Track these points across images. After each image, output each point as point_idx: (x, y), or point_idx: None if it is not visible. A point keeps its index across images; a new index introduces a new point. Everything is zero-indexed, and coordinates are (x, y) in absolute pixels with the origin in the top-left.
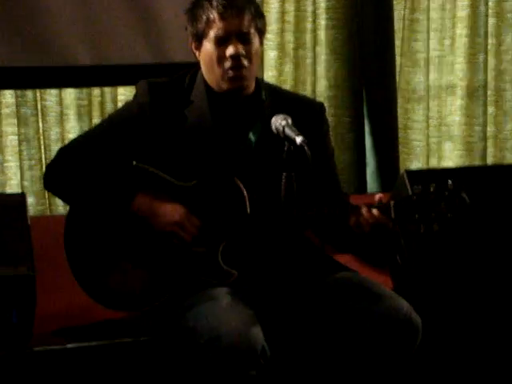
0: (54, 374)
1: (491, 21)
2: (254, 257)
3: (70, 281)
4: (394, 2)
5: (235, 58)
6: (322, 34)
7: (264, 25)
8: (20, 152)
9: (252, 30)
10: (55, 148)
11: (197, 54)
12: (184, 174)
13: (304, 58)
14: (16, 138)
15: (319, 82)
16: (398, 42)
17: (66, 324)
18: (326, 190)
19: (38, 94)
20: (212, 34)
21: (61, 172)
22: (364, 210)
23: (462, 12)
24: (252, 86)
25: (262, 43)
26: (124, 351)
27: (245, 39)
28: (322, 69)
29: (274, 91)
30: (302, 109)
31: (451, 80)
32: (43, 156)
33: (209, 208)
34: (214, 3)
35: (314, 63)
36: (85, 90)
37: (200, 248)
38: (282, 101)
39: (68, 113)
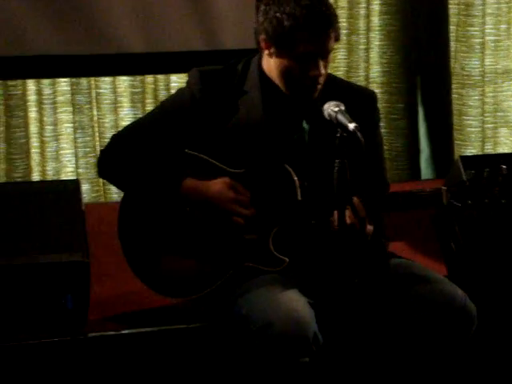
0: (108, 360)
1: None
2: (305, 244)
3: (124, 267)
4: None
5: (316, 78)
6: (375, 20)
7: (340, 31)
8: (75, 139)
9: (333, 45)
10: (109, 135)
11: (266, 51)
12: (235, 161)
13: (357, 44)
14: (71, 125)
15: (372, 68)
16: (452, 27)
17: (120, 310)
18: (371, 179)
19: (92, 82)
20: (298, 50)
21: (114, 159)
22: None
23: None
24: None
25: None
26: (177, 337)
27: (327, 56)
28: (375, 55)
29: (328, 79)
30: (355, 97)
31: (507, 65)
32: (97, 143)
33: (260, 195)
34: (306, 23)
35: (368, 49)
36: (138, 78)
37: (251, 235)
38: (336, 89)
39: (122, 100)
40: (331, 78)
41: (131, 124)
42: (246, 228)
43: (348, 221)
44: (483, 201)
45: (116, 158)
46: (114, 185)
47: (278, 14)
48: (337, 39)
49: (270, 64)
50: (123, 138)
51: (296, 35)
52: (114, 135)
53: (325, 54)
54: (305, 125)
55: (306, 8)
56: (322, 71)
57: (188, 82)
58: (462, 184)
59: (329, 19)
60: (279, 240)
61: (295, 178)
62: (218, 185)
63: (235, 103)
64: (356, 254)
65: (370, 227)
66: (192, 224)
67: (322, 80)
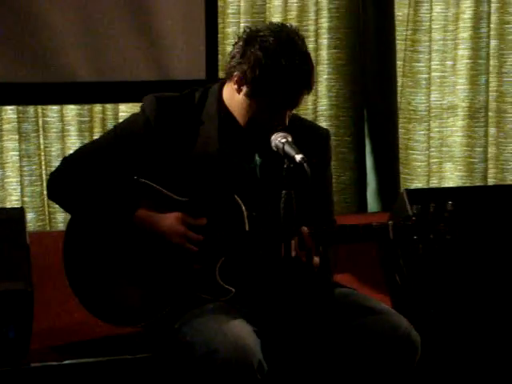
0: None
1: (493, 43)
2: (251, 274)
3: (68, 297)
4: (396, 23)
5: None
6: (323, 54)
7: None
8: (21, 168)
9: None
10: (56, 164)
11: (235, 86)
12: (185, 190)
13: None
14: (17, 153)
15: (320, 101)
16: (399, 63)
17: (64, 340)
18: (318, 215)
19: (39, 110)
20: (271, 99)
21: (64, 182)
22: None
23: (464, 33)
24: None
25: None
26: (122, 368)
27: (295, 108)
28: (323, 88)
29: None
30: (309, 134)
31: (453, 101)
32: (44, 172)
33: (207, 224)
34: (292, 81)
35: (316, 82)
36: (86, 107)
37: (198, 264)
38: (290, 125)
39: (69, 129)
40: None
41: (83, 147)
42: (193, 258)
43: (293, 253)
44: (428, 236)
45: (67, 181)
46: (63, 207)
47: (261, 60)
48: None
49: (236, 98)
50: (75, 161)
51: (276, 88)
52: (65, 157)
53: (295, 107)
54: (257, 158)
55: (292, 65)
56: (287, 123)
57: (143, 109)
58: (407, 219)
59: (310, 79)
60: (226, 270)
61: (243, 209)
62: (169, 219)
63: (190, 133)
64: (301, 284)
65: (316, 259)
66: (139, 252)
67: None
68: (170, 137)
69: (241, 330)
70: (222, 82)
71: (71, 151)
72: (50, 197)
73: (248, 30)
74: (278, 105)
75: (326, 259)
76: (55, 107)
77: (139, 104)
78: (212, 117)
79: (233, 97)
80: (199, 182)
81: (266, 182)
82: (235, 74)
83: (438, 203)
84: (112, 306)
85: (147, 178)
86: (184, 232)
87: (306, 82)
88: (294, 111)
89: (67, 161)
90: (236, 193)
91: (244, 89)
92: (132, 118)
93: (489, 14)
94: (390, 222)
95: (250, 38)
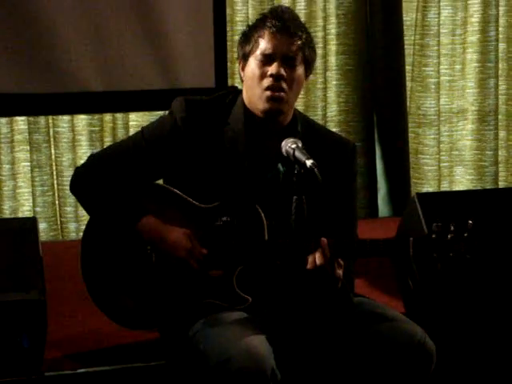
0: None
1: (501, 46)
2: (269, 284)
3: (81, 306)
4: (405, 28)
5: (275, 78)
6: (332, 60)
7: (313, 58)
8: (32, 178)
9: (299, 57)
10: (67, 174)
11: (242, 74)
12: (207, 195)
13: (315, 83)
14: (28, 164)
15: (330, 107)
16: (408, 67)
17: (78, 349)
18: (340, 229)
19: (50, 121)
20: (259, 51)
21: (86, 180)
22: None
23: (473, 37)
24: (289, 115)
25: (307, 76)
26: (136, 376)
27: (290, 63)
28: (332, 94)
29: (310, 125)
30: (335, 147)
31: (462, 105)
32: (55, 182)
33: (227, 232)
34: (268, 23)
35: (325, 88)
36: (96, 116)
37: (215, 272)
38: (316, 136)
39: (80, 139)
40: (314, 125)
41: (110, 147)
42: (210, 264)
43: (318, 262)
44: (448, 255)
45: (88, 179)
46: (81, 204)
47: (249, 34)
48: (306, 59)
49: (244, 86)
50: (100, 160)
51: (259, 37)
52: (91, 154)
53: (286, 57)
54: (280, 167)
55: (270, 13)
56: (282, 72)
57: (172, 110)
58: (428, 237)
59: (290, 23)
60: (243, 278)
61: (264, 219)
62: (176, 233)
63: (218, 137)
64: (323, 295)
65: (339, 271)
66: (153, 257)
67: (284, 86)
68: (197, 140)
69: (254, 338)
70: None
71: (82, 161)
72: (71, 190)
73: None
74: (265, 54)
75: (348, 272)
76: (66, 117)
77: (149, 113)
78: (239, 120)
79: (245, 89)
80: (223, 188)
81: (288, 190)
82: (239, 64)
83: (459, 222)
84: (126, 309)
85: (172, 180)
86: (189, 248)
87: (281, 24)
88: (320, 122)
89: (94, 158)
90: (258, 200)
91: (242, 63)
92: (159, 121)
93: (497, 17)
94: (410, 239)
95: None
